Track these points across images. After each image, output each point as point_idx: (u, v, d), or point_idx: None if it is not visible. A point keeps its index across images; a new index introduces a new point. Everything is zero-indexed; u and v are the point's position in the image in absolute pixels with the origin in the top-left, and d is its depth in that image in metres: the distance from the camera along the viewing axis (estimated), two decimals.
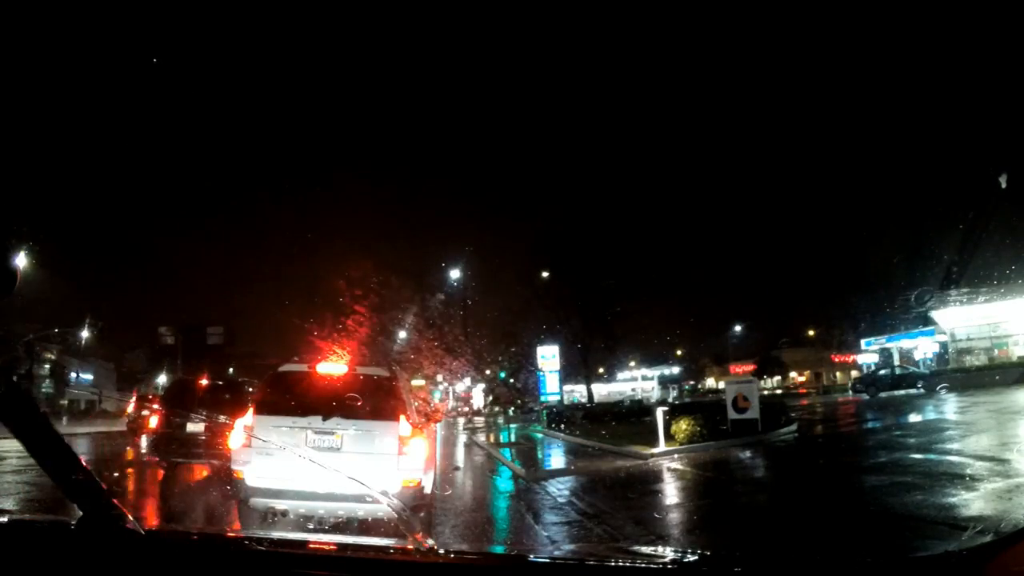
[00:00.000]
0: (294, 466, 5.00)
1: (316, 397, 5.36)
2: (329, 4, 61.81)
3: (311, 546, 2.01)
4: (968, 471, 7.42)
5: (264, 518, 5.18)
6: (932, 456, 8.92)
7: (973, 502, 5.95)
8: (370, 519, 5.17)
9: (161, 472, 10.37)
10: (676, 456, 11.38)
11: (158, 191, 72.69)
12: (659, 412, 12.47)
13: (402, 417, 5.42)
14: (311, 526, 5.19)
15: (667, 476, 9.83)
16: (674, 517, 6.89)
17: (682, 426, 12.47)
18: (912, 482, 7.03)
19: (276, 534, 2.72)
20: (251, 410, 5.59)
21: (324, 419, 5.22)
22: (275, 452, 5.12)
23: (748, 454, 11.44)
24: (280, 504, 5.10)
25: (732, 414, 12.95)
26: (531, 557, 1.89)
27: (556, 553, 3.80)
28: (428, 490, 5.66)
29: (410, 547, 1.93)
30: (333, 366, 5.78)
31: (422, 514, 5.62)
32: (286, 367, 5.95)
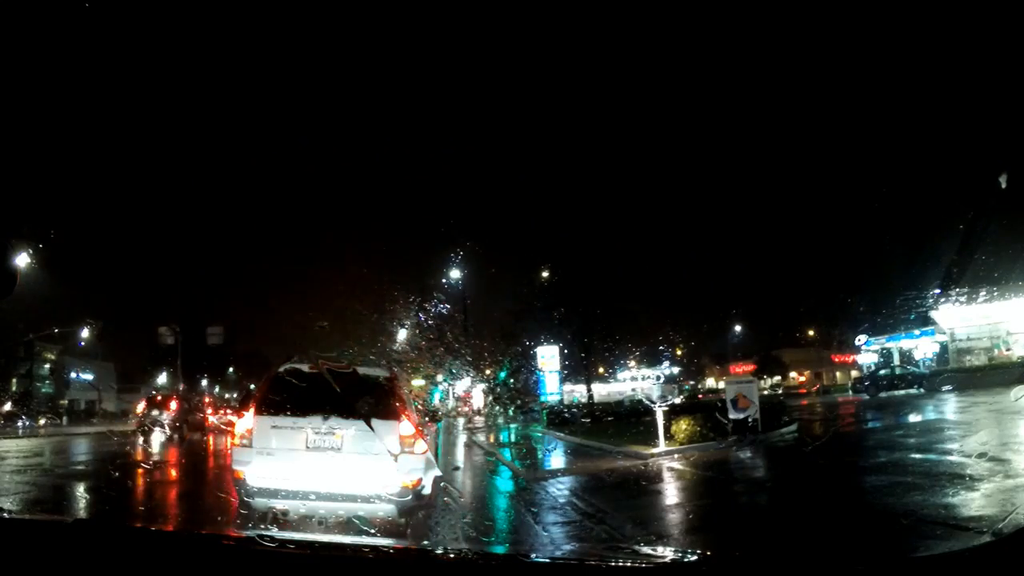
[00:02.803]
0: (294, 466, 5.10)
1: (316, 397, 5.30)
2: (334, 10, 61.81)
3: (311, 546, 2.01)
4: (968, 471, 7.41)
5: (264, 518, 5.17)
6: (932, 456, 8.92)
7: (973, 502, 5.94)
8: (371, 519, 5.19)
9: (171, 472, 10.72)
10: (676, 456, 11.37)
11: (159, 190, 72.68)
12: (659, 412, 12.46)
13: (403, 417, 5.44)
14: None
15: (667, 476, 9.83)
16: (674, 517, 6.89)
17: (682, 426, 12.48)
18: (912, 482, 7.02)
19: (276, 534, 2.72)
20: (251, 410, 5.60)
21: (324, 419, 5.22)
22: (275, 452, 5.20)
23: (748, 454, 11.44)
24: (280, 504, 5.09)
25: (732, 414, 12.96)
26: (531, 557, 1.90)
27: (556, 553, 3.81)
28: (428, 490, 5.66)
29: (410, 547, 1.93)
30: (333, 366, 5.71)
31: (422, 514, 5.62)
32: (286, 367, 5.89)
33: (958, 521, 5.25)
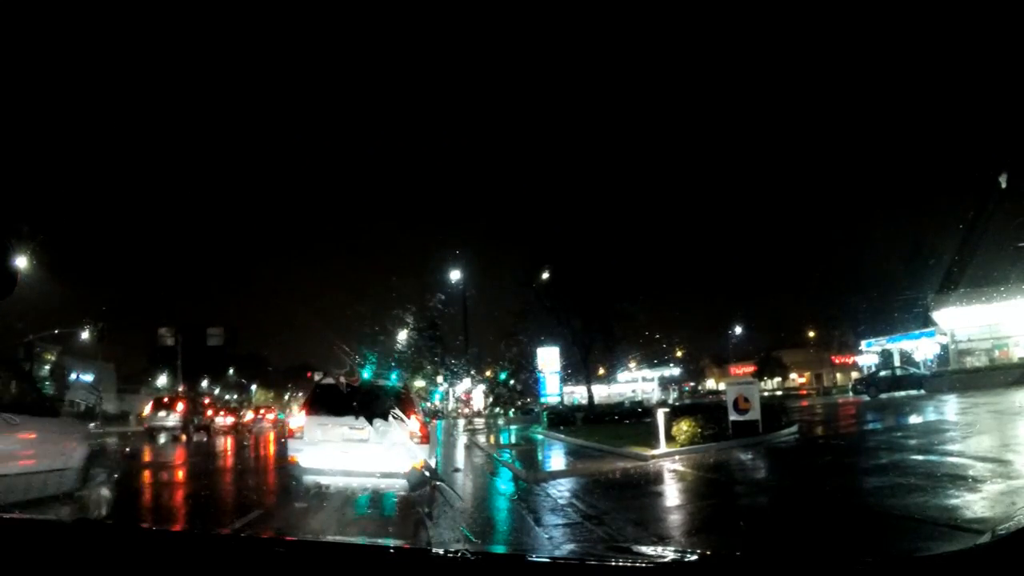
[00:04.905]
0: (334, 452, 6.89)
1: (349, 403, 6.66)
2: (333, 14, 61.90)
3: (312, 546, 2.01)
4: (970, 472, 7.39)
5: (311, 491, 6.95)
6: (934, 457, 8.88)
7: (975, 503, 5.90)
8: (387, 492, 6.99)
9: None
10: (677, 457, 11.34)
11: (160, 190, 72.68)
12: (660, 413, 12.45)
13: (412, 416, 7.14)
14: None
15: (668, 477, 9.80)
16: (675, 519, 6.88)
17: (683, 427, 12.44)
18: (914, 483, 6.99)
19: (277, 535, 2.73)
20: (303, 412, 7.52)
21: (356, 418, 6.56)
22: (320, 443, 7.05)
23: (749, 455, 11.39)
24: (324, 480, 6.88)
25: (733, 415, 12.91)
26: (531, 557, 1.89)
27: (556, 553, 3.80)
28: (433, 468, 7.22)
29: (410, 547, 1.92)
30: (362, 379, 7.27)
31: (427, 488, 6.83)
32: (326, 380, 7.77)
33: (960, 522, 5.20)
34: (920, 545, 4.73)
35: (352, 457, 6.79)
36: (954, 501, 6.00)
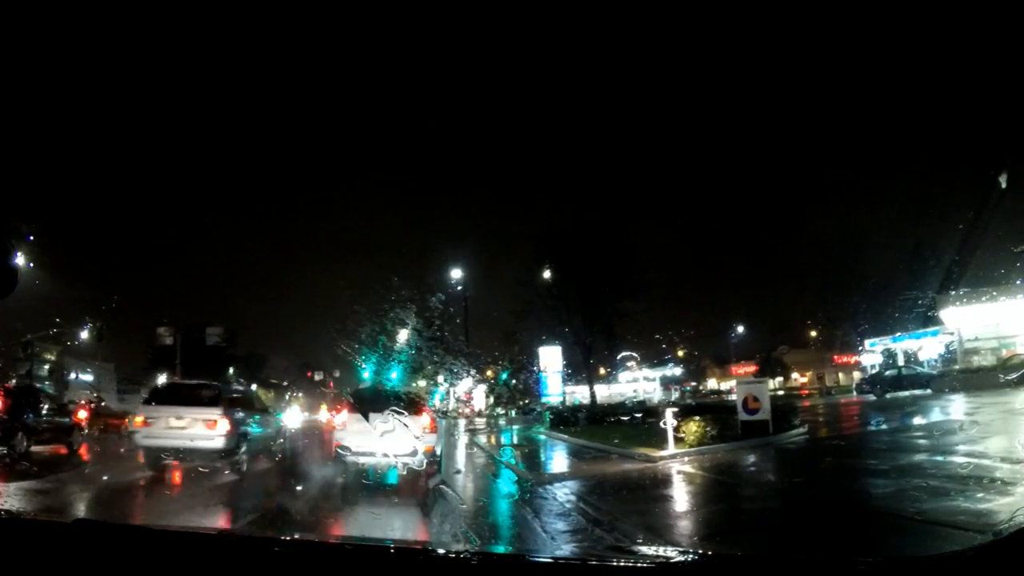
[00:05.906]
0: (368, 439, 8.72)
1: (379, 403, 9.31)
2: (336, 8, 61.95)
3: (313, 545, 2.00)
4: (982, 473, 7.24)
5: (350, 467, 9.07)
6: (949, 458, 8.70)
7: (986, 504, 5.76)
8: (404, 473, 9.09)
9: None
10: (686, 459, 11.10)
11: (161, 191, 72.78)
12: (668, 413, 12.12)
13: (424, 413, 9.77)
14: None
15: (678, 480, 9.61)
16: (687, 524, 6.66)
17: (691, 428, 12.27)
18: (932, 485, 6.83)
19: (278, 535, 2.71)
20: (345, 410, 9.75)
21: (385, 414, 8.57)
22: (358, 432, 8.97)
23: (761, 457, 11.17)
24: (360, 459, 8.93)
25: (742, 415, 12.67)
26: (532, 557, 1.87)
27: (557, 553, 3.78)
28: (438, 452, 9.88)
29: (410, 546, 1.91)
30: (387, 386, 9.85)
31: (434, 467, 9.48)
32: (362, 387, 11.90)
33: (970, 524, 5.02)
34: (931, 546, 4.62)
35: (380, 442, 8.60)
36: (976, 504, 5.81)
